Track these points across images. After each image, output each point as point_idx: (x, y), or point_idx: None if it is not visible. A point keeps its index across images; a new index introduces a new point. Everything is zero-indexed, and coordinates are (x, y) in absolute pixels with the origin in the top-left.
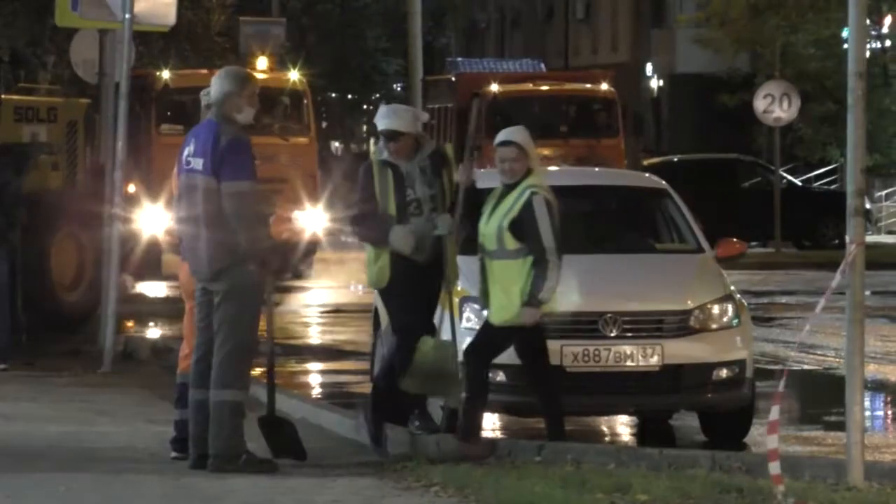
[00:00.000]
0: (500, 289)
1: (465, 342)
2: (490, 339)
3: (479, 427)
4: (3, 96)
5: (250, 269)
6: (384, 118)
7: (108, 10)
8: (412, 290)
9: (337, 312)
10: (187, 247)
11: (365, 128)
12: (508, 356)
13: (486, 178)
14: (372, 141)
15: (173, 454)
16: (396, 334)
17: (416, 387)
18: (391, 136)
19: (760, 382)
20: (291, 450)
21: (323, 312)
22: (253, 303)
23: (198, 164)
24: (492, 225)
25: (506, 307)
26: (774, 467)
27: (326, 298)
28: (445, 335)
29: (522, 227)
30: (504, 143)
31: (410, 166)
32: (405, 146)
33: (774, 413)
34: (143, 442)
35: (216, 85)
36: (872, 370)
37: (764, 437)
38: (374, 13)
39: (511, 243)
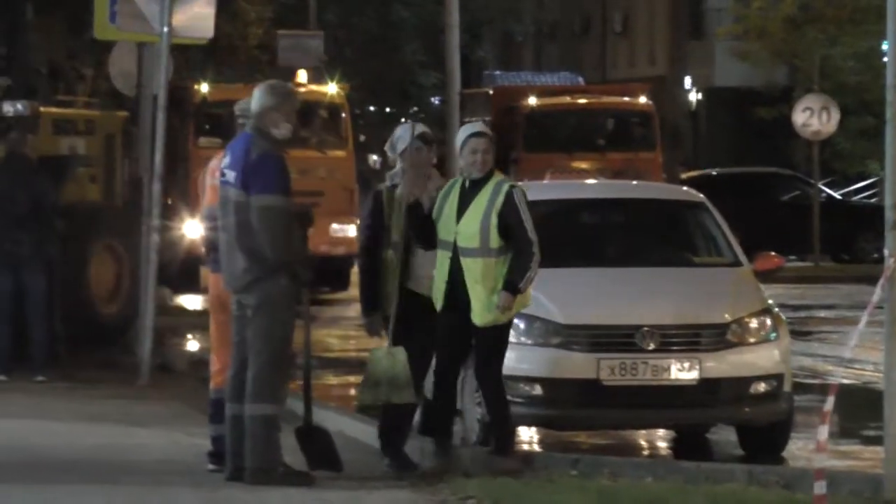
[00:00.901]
0: (482, 289)
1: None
2: (491, 346)
3: (512, 441)
4: (41, 109)
5: (281, 282)
6: (413, 127)
7: (146, 23)
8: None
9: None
10: (221, 258)
11: None
12: (545, 369)
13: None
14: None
15: (210, 466)
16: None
17: (372, 397)
18: (429, 139)
19: (798, 396)
20: (328, 461)
21: (360, 325)
22: (285, 315)
23: (230, 176)
24: (472, 223)
25: (490, 307)
26: (820, 487)
27: None
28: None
29: (507, 222)
30: (477, 135)
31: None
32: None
33: (823, 433)
34: (179, 454)
35: (257, 97)
36: None
37: (801, 451)
38: (411, 26)
39: (496, 241)
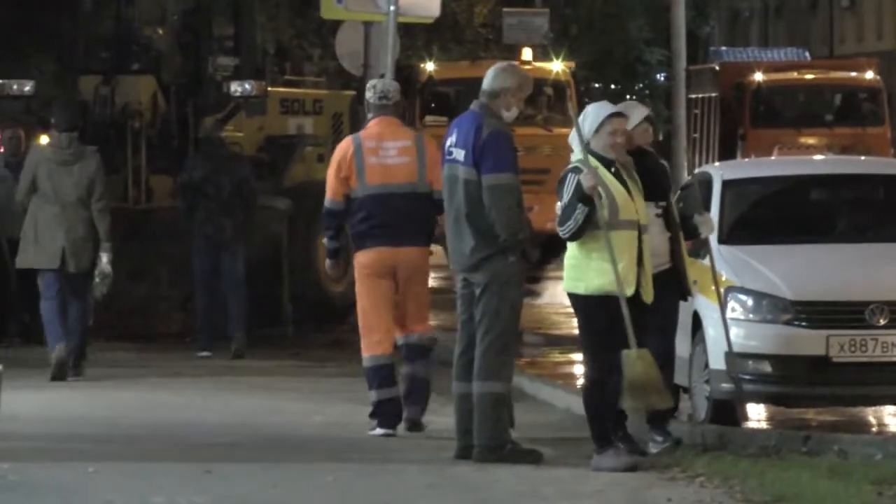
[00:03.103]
0: (647, 262)
1: (732, 333)
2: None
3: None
4: (269, 89)
5: (510, 261)
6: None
7: (373, 2)
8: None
9: None
10: (449, 237)
11: None
12: (773, 346)
13: (750, 167)
14: None
15: (378, 431)
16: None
17: (635, 403)
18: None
19: None
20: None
21: None
22: (513, 294)
23: (459, 155)
24: (640, 200)
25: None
26: None
27: None
28: (713, 328)
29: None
30: (621, 115)
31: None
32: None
33: None
34: (408, 432)
35: (493, 78)
36: None
37: None
38: (637, 3)
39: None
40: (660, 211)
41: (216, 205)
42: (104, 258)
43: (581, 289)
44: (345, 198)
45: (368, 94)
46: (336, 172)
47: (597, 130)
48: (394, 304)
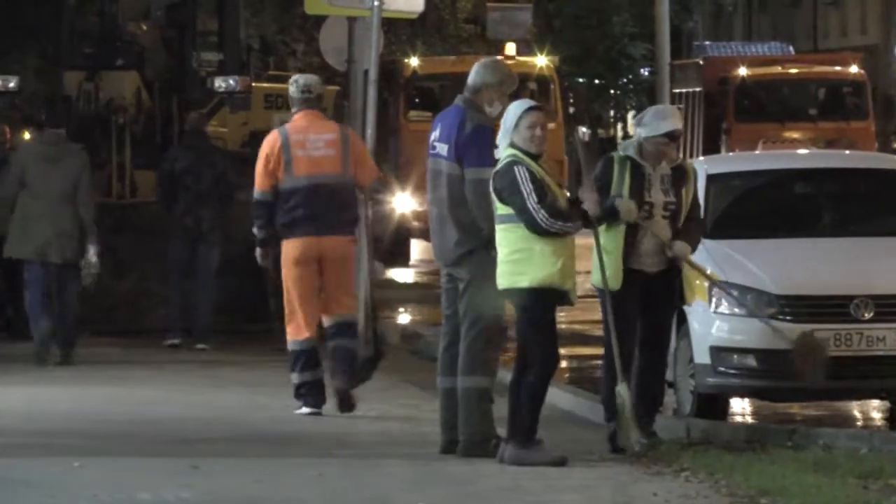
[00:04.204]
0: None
1: (715, 328)
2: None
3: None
4: (253, 84)
5: (493, 255)
6: (668, 118)
7: None
8: (633, 306)
9: (582, 297)
10: (431, 232)
11: (612, 113)
12: (758, 340)
13: (735, 161)
14: (620, 128)
15: (304, 409)
16: (605, 359)
17: (627, 440)
18: (677, 136)
19: None
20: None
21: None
22: (497, 288)
23: (443, 149)
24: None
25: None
26: None
27: None
28: (697, 322)
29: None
30: (538, 108)
31: (653, 171)
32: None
33: None
34: (393, 427)
35: (476, 73)
36: None
37: None
38: None
39: None
40: (668, 213)
41: (195, 196)
42: (91, 250)
43: (525, 282)
44: (273, 189)
45: (291, 90)
46: (265, 165)
47: (516, 125)
48: (318, 290)
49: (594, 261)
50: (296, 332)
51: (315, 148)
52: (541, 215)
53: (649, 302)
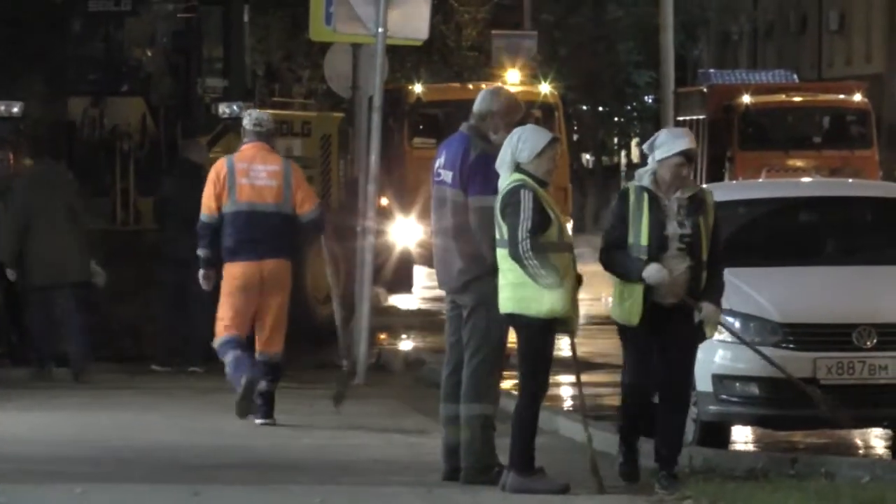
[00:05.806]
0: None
1: (719, 356)
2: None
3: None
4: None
5: (497, 282)
6: (682, 137)
7: (361, 24)
8: (650, 337)
9: (587, 325)
10: (436, 259)
11: (616, 140)
12: (761, 368)
13: (738, 189)
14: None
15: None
16: (623, 388)
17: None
18: (692, 156)
19: None
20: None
21: (582, 324)
22: (501, 315)
23: (447, 176)
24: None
25: None
26: None
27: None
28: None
29: None
30: (559, 139)
31: (670, 200)
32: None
33: None
34: (396, 453)
35: (482, 100)
36: None
37: None
38: (626, 26)
39: None
40: (683, 246)
41: (180, 223)
42: (92, 262)
43: (532, 311)
44: (218, 212)
45: (245, 121)
46: (212, 189)
47: (539, 154)
48: (251, 317)
49: (615, 293)
50: (221, 333)
51: (258, 177)
52: (524, 245)
53: (668, 337)
